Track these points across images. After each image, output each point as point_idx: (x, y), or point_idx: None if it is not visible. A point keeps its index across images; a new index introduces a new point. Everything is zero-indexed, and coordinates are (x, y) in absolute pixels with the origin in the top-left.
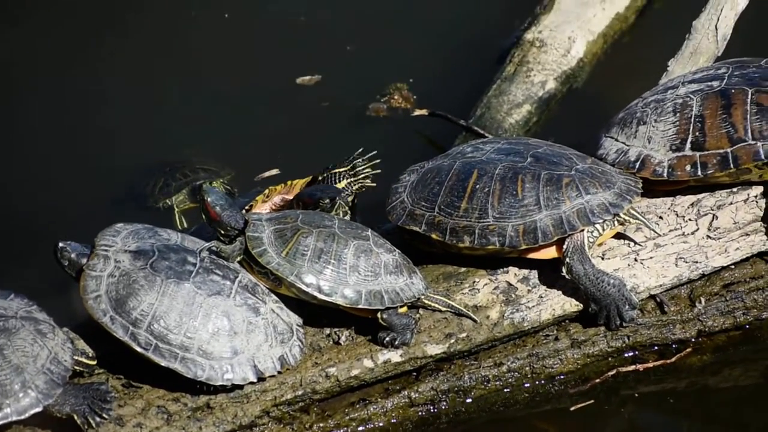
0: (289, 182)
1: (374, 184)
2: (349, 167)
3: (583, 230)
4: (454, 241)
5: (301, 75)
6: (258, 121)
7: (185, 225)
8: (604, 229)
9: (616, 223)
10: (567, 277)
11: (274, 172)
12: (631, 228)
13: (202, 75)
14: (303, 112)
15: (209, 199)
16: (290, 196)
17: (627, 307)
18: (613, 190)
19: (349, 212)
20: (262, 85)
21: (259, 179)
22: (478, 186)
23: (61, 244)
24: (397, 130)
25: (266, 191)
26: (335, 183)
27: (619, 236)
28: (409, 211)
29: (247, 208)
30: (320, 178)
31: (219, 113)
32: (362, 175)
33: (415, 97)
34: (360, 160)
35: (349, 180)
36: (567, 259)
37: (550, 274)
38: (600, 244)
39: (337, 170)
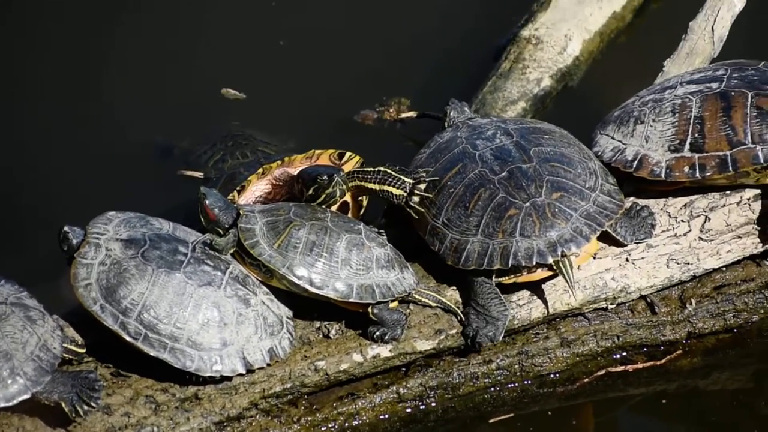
0: (287, 158)
1: (422, 210)
2: (413, 181)
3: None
4: (417, 228)
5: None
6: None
7: None
8: (525, 272)
9: (546, 267)
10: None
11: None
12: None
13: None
14: (290, 113)
15: (208, 202)
16: (292, 169)
17: (490, 334)
18: (550, 237)
19: (347, 192)
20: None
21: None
22: (449, 183)
23: (65, 229)
24: (384, 138)
25: (260, 169)
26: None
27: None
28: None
29: (240, 187)
30: (382, 168)
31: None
32: (415, 198)
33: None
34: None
35: (403, 192)
36: None
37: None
38: (520, 282)
39: (403, 177)
